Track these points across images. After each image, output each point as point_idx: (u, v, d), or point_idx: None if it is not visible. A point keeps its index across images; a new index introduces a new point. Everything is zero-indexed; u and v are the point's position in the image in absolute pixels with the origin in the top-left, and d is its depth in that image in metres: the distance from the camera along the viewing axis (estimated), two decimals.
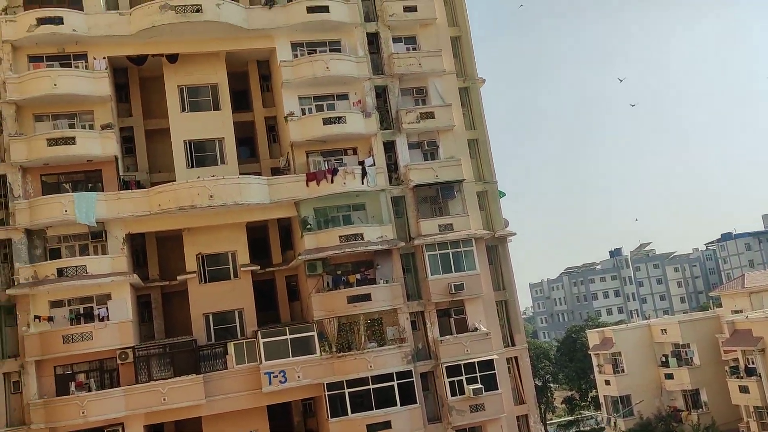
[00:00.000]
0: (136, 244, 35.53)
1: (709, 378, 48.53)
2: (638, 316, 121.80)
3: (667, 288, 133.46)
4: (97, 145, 32.85)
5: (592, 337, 57.65)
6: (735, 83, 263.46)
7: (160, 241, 35.83)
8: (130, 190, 33.75)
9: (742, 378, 41.47)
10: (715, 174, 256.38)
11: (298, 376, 32.88)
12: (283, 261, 37.15)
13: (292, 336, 33.46)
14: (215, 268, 34.80)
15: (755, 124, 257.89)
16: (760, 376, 39.94)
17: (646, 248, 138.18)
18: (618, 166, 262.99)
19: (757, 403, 40.36)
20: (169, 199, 32.75)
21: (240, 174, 34.63)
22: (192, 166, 35.00)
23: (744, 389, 41.18)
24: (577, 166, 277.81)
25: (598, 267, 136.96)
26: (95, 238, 33.14)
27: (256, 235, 36.90)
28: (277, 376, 32.67)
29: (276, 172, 37.30)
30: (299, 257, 34.53)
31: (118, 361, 31.77)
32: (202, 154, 35.39)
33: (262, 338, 32.95)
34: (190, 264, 34.34)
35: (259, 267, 35.47)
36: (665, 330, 52.19)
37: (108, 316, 31.88)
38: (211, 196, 32.75)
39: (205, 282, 34.55)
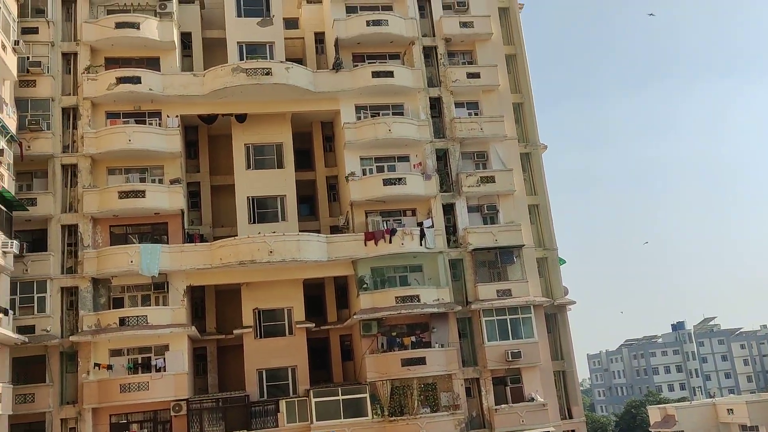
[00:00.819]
0: (196, 297, 36.17)
1: None
2: (702, 393, 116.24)
3: (733, 365, 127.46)
4: (165, 198, 33.91)
5: (653, 413, 55.30)
6: None
7: (219, 294, 36.39)
8: (193, 243, 34.58)
9: None
10: None
11: None
12: (338, 320, 37.14)
13: (344, 397, 33.14)
14: (271, 324, 35.03)
15: None
16: None
17: (711, 323, 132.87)
18: (681, 237, 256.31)
19: None
20: (230, 253, 33.35)
21: (299, 231, 35.15)
22: (254, 222, 35.74)
23: None
24: (638, 234, 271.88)
25: (660, 340, 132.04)
26: (157, 289, 33.91)
27: (313, 292, 37.16)
28: None
29: (335, 230, 37.71)
30: (354, 317, 34.47)
31: (172, 413, 31.96)
32: (264, 210, 36.14)
33: (314, 397, 32.72)
34: (246, 318, 34.67)
35: (314, 325, 35.53)
36: (731, 410, 49.68)
37: (165, 366, 32.27)
38: (271, 252, 33.22)
39: (261, 337, 34.75)
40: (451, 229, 36.99)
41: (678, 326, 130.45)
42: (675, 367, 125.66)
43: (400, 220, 36.66)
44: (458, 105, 38.64)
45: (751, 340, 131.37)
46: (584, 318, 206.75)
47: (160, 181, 34.78)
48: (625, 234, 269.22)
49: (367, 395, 33.29)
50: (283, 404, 32.90)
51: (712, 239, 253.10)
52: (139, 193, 33.38)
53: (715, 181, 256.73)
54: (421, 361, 33.66)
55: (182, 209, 34.62)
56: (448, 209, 37.07)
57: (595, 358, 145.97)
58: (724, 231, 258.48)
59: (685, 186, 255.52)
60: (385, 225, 35.88)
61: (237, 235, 34.54)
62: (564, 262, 39.07)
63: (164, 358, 32.44)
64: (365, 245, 34.89)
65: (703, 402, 58.29)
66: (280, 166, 36.86)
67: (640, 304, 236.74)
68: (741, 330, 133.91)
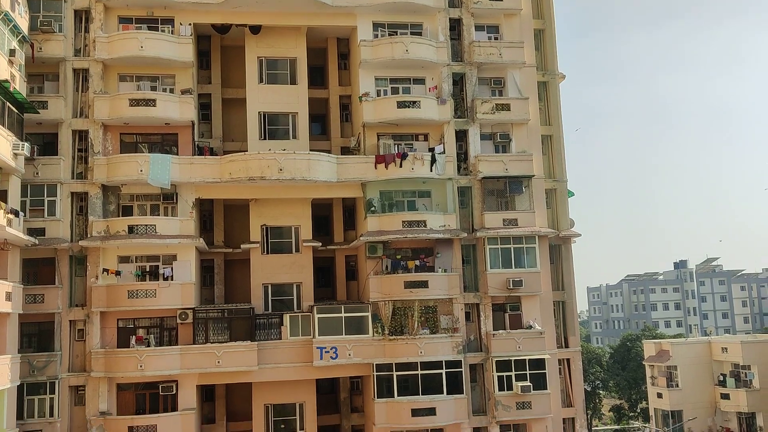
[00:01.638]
0: (205, 210, 36.42)
1: (767, 403, 46.84)
2: (698, 331, 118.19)
3: (731, 306, 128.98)
4: (175, 109, 33.68)
5: (648, 347, 56.30)
6: None
7: (228, 209, 36.61)
8: (203, 156, 34.54)
9: None
10: None
11: (349, 354, 33.24)
12: (345, 240, 37.47)
13: (346, 314, 33.83)
14: (278, 241, 35.38)
15: None
16: None
17: (713, 263, 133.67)
18: (692, 177, 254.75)
19: None
20: (240, 168, 33.36)
21: (310, 150, 35.03)
22: (264, 138, 35.58)
23: None
24: (648, 172, 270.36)
25: (661, 277, 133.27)
26: (166, 199, 34.10)
27: (320, 212, 37.38)
28: (328, 352, 33.11)
29: (346, 151, 37.56)
30: (361, 238, 34.75)
31: (178, 321, 32.74)
32: (275, 127, 35.92)
33: (317, 313, 33.40)
34: (254, 234, 35.01)
35: (320, 244, 35.88)
36: (726, 348, 50.52)
37: (172, 276, 32.84)
38: (281, 170, 33.21)
39: (267, 253, 35.17)
40: (462, 156, 36.77)
41: (680, 265, 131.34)
42: (673, 305, 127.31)
43: (412, 144, 36.41)
44: (478, 28, 37.70)
45: (751, 282, 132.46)
46: (588, 251, 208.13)
47: (171, 91, 34.44)
48: (635, 170, 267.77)
49: (369, 314, 33.95)
50: (287, 318, 33.63)
51: (721, 179, 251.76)
52: (150, 102, 33.14)
53: (727, 121, 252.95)
54: (423, 284, 34.14)
55: (192, 121, 34.42)
56: (461, 136, 36.75)
57: (595, 291, 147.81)
58: (735, 172, 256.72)
59: (697, 124, 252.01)
60: (396, 149, 35.65)
61: (247, 151, 34.47)
62: (572, 194, 39.02)
63: (172, 268, 32.97)
64: (375, 168, 34.81)
65: (699, 339, 59.20)
66: (293, 82, 36.37)
67: (645, 241, 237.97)
68: (743, 272, 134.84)
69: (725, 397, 49.65)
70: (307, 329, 33.48)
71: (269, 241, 35.31)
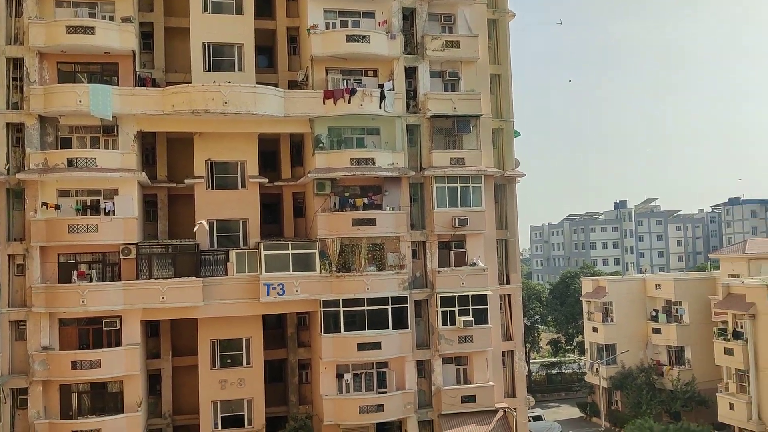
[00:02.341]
0: (147, 143, 35.52)
1: (695, 337, 49.36)
2: (634, 269, 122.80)
3: (667, 245, 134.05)
4: (115, 37, 32.35)
5: (586, 284, 58.28)
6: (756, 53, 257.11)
7: (171, 142, 35.77)
8: (145, 87, 33.47)
9: (728, 341, 42.14)
10: (732, 137, 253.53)
11: (296, 290, 33.47)
12: (292, 177, 37.20)
13: (294, 251, 33.89)
14: (223, 176, 34.88)
15: None
16: (746, 340, 40.62)
17: (652, 204, 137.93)
18: (636, 118, 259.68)
19: (739, 366, 41.17)
20: (183, 100, 32.49)
21: (257, 83, 34.26)
22: (209, 70, 34.54)
23: (729, 351, 41.91)
24: (593, 115, 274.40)
25: (601, 217, 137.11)
26: (107, 132, 33.12)
27: (267, 147, 36.84)
28: (275, 288, 33.25)
29: (293, 85, 36.89)
30: (308, 175, 34.55)
31: (121, 256, 32.28)
32: (220, 58, 34.87)
33: (264, 250, 33.36)
34: (198, 169, 34.40)
35: (267, 180, 35.55)
36: (659, 286, 52.64)
37: (114, 210, 32.18)
38: (226, 103, 32.49)
39: (212, 189, 34.68)
40: (411, 94, 36.58)
41: (620, 205, 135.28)
42: (612, 243, 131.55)
43: (361, 80, 35.97)
44: None
45: (687, 223, 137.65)
46: (532, 191, 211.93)
47: (111, 18, 33.02)
48: (580, 113, 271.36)
49: (316, 251, 34.08)
50: (233, 254, 33.50)
51: (664, 124, 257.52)
52: (89, 30, 31.72)
53: (675, 65, 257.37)
54: (371, 222, 34.33)
55: (134, 50, 33.18)
56: (410, 72, 36.44)
57: (538, 230, 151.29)
58: (676, 117, 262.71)
59: (644, 69, 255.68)
60: (345, 84, 35.19)
61: (191, 83, 33.48)
62: (518, 134, 39.40)
63: (113, 202, 32.27)
64: (324, 103, 34.36)
65: (634, 277, 61.48)
66: (239, 11, 35.16)
67: (587, 182, 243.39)
68: (679, 212, 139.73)
69: (657, 331, 52.04)
70: (253, 266, 33.46)
71: (214, 176, 34.77)
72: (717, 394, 43.22)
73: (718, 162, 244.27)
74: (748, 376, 40.39)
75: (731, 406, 41.41)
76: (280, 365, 37.71)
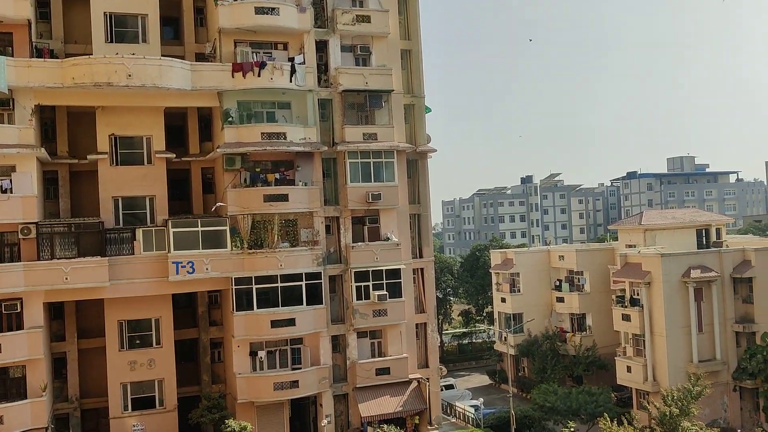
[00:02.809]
0: (46, 118, 33.86)
1: (596, 304, 51.73)
2: (539, 241, 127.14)
3: (570, 218, 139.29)
4: (9, 4, 30.53)
5: (495, 256, 59.88)
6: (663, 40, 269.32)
7: (72, 116, 34.23)
8: (42, 59, 31.78)
9: (626, 307, 44.37)
10: (628, 116, 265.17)
11: (207, 268, 32.90)
12: (201, 152, 36.35)
13: (203, 228, 33.25)
14: (128, 152, 33.70)
15: (671, 69, 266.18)
16: (642, 307, 42.90)
17: (556, 178, 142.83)
18: (541, 97, 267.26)
19: (635, 331, 43.50)
20: (84, 73, 31.06)
21: (162, 56, 33.10)
22: (111, 41, 33.11)
23: (626, 317, 44.17)
24: (502, 92, 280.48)
25: (509, 192, 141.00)
26: (2, 105, 31.36)
27: (174, 122, 35.85)
28: (185, 266, 32.57)
29: (200, 58, 35.90)
30: (218, 150, 33.83)
31: (20, 236, 30.79)
32: (122, 29, 33.47)
33: (172, 227, 32.56)
34: (102, 144, 33.10)
35: (174, 155, 34.59)
36: (563, 257, 54.74)
37: (11, 188, 30.60)
38: (130, 76, 31.29)
39: (117, 165, 33.49)
40: (322, 68, 36.32)
41: (526, 180, 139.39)
42: (519, 217, 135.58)
43: (271, 53, 35.39)
44: None
45: (588, 196, 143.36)
46: (443, 166, 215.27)
47: None
48: (490, 89, 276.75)
49: (227, 228, 33.55)
50: (139, 233, 32.54)
51: (570, 101, 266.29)
52: None
53: (588, 44, 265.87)
54: (283, 197, 34.04)
55: (29, 19, 31.38)
56: (321, 47, 36.16)
57: (449, 204, 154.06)
58: (584, 94, 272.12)
59: (556, 47, 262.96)
60: (254, 57, 34.54)
61: (92, 54, 32.00)
62: (429, 110, 39.89)
63: (10, 180, 30.65)
64: (232, 77, 33.63)
65: (540, 248, 63.58)
66: None
67: (496, 158, 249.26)
68: (581, 186, 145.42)
69: (560, 300, 54.20)
70: (161, 244, 32.62)
71: (118, 151, 33.54)
72: (615, 358, 45.54)
73: (617, 138, 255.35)
74: (644, 341, 42.74)
75: (629, 369, 43.77)
76: (192, 345, 37.11)
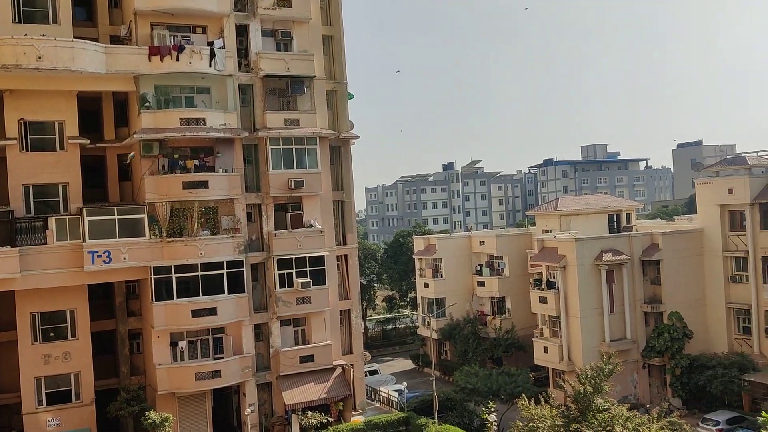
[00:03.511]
0: None
1: (515, 288, 53.18)
2: (461, 227, 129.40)
3: (490, 204, 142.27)
4: None
5: (418, 242, 60.64)
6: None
7: None
8: None
9: (543, 290, 45.80)
10: (545, 105, 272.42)
11: (124, 258, 32.02)
12: (117, 138, 35.24)
13: (120, 216, 32.31)
14: (39, 137, 32.30)
15: (586, 61, 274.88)
16: (558, 289, 44.38)
17: (477, 165, 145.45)
18: (462, 85, 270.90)
19: (552, 313, 45.00)
20: None
21: (74, 38, 31.81)
22: (19, 21, 31.54)
23: (543, 300, 45.62)
24: (424, 79, 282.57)
25: (431, 178, 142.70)
26: None
27: (88, 106, 34.57)
28: (101, 256, 31.59)
29: (115, 41, 34.71)
30: (134, 136, 32.87)
31: None
32: (31, 9, 31.93)
33: (87, 216, 31.50)
34: (10, 129, 31.60)
35: (89, 141, 33.40)
36: (483, 242, 55.97)
37: None
38: (40, 58, 29.96)
39: (27, 150, 32.04)
40: (243, 53, 35.76)
41: (448, 167, 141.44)
42: (441, 203, 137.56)
43: (189, 37, 34.54)
44: None
45: (507, 183, 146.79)
46: (366, 153, 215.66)
47: None
48: (413, 77, 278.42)
49: (145, 216, 32.71)
50: (52, 221, 31.33)
51: (489, 89, 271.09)
52: None
53: (508, 30, 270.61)
54: (203, 184, 33.43)
55: None
56: (242, 31, 35.58)
57: (373, 191, 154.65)
58: (501, 82, 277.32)
59: (475, 36, 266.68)
60: (172, 40, 33.65)
61: None
62: (352, 96, 39.91)
63: None
64: (149, 60, 32.69)
65: (461, 234, 64.81)
66: None
67: (418, 145, 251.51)
68: (501, 173, 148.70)
69: (481, 284, 55.44)
70: (76, 233, 31.52)
71: (29, 137, 32.08)
72: (533, 339, 46.99)
73: (535, 126, 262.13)
74: (560, 322, 44.29)
75: (545, 350, 45.28)
76: (110, 336, 36.13)
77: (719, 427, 37.85)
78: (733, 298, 44.08)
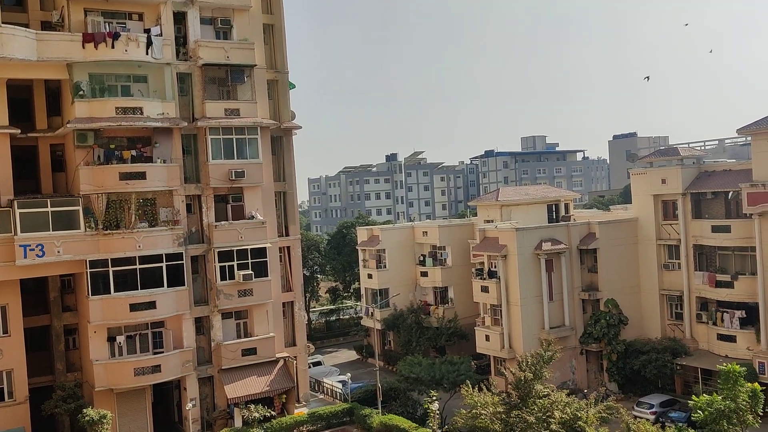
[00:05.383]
0: None
1: (457, 278, 53.77)
2: (404, 218, 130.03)
3: (433, 195, 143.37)
4: None
5: (361, 233, 60.62)
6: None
7: None
8: None
9: (484, 279, 46.42)
10: (487, 96, 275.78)
11: (58, 251, 31.05)
12: (49, 127, 34.07)
13: (54, 209, 31.31)
14: None
15: (526, 55, 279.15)
16: (499, 278, 45.06)
17: (419, 156, 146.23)
18: (405, 77, 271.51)
19: (493, 302, 45.67)
20: None
21: (3, 23, 30.54)
22: None
23: (485, 289, 46.24)
24: (367, 71, 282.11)
25: (374, 169, 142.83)
26: None
27: (18, 94, 33.29)
28: (33, 250, 30.58)
29: (47, 27, 33.49)
30: (68, 125, 31.84)
31: None
32: None
33: (18, 208, 30.41)
34: None
35: (19, 131, 32.17)
36: (426, 232, 56.37)
37: None
38: None
39: None
40: (181, 41, 34.99)
41: (391, 157, 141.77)
42: (384, 194, 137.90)
43: (125, 24, 33.62)
44: None
45: (450, 174, 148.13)
46: (309, 144, 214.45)
47: None
48: (355, 67, 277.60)
49: (80, 208, 31.78)
50: None
51: (430, 83, 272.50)
52: None
53: (450, 26, 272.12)
54: (141, 175, 32.65)
55: None
56: (180, 18, 34.79)
57: (315, 182, 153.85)
58: (444, 74, 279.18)
59: (424, 26, 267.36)
60: (107, 27, 32.68)
61: None
62: (293, 86, 39.56)
63: None
64: (83, 47, 31.69)
65: (404, 225, 65.07)
66: None
67: (361, 135, 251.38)
68: (443, 164, 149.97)
69: (424, 274, 55.84)
70: (6, 226, 30.40)
71: None
72: (475, 328, 47.63)
73: (477, 118, 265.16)
74: (501, 310, 44.99)
75: (487, 338, 45.94)
76: (44, 332, 35.00)
77: (653, 409, 39.16)
78: (666, 285, 45.59)
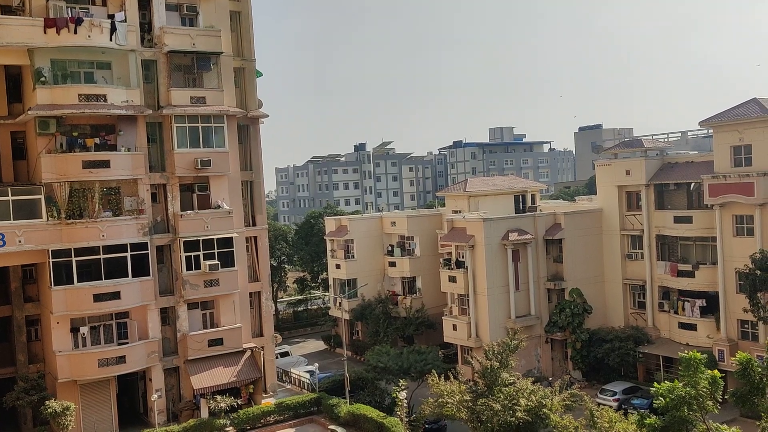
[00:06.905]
0: None
1: (425, 268, 54.03)
2: (373, 208, 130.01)
3: (401, 185, 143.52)
4: None
5: (329, 223, 60.49)
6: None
7: None
8: None
9: (452, 269, 46.71)
10: (454, 87, 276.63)
11: (20, 241, 30.49)
12: (10, 114, 33.35)
13: (14, 197, 30.75)
14: None
15: (494, 46, 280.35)
16: (466, 268, 45.38)
17: (388, 147, 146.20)
18: (374, 68, 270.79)
19: (461, 291, 46.01)
20: None
21: None
22: None
23: (452, 279, 46.54)
24: (336, 60, 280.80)
25: (342, 159, 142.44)
26: None
27: None
28: None
29: (7, 11, 32.68)
30: (29, 112, 31.17)
31: None
32: None
33: None
34: None
35: None
36: (395, 223, 56.48)
37: None
38: None
39: None
40: (146, 27, 34.44)
41: (360, 147, 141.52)
42: (353, 184, 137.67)
43: (88, 9, 32.98)
44: None
45: (418, 164, 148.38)
46: (276, 133, 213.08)
47: None
48: (323, 57, 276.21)
49: (42, 197, 31.20)
50: None
51: (403, 74, 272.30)
52: None
53: (421, 15, 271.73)
54: (104, 164, 32.15)
55: None
56: (145, 4, 34.24)
57: (283, 171, 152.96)
58: (412, 65, 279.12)
59: (394, 15, 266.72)
60: (70, 12, 32.02)
61: None
62: (260, 74, 39.22)
63: None
64: (45, 33, 31.02)
65: (373, 215, 65.09)
66: None
67: (330, 125, 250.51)
68: (412, 155, 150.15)
69: (392, 264, 55.98)
70: None
71: None
72: (443, 317, 47.94)
73: (445, 108, 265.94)
74: (468, 300, 45.35)
75: (454, 327, 46.29)
76: (5, 323, 34.38)
77: (616, 396, 39.88)
78: (629, 274, 46.36)
